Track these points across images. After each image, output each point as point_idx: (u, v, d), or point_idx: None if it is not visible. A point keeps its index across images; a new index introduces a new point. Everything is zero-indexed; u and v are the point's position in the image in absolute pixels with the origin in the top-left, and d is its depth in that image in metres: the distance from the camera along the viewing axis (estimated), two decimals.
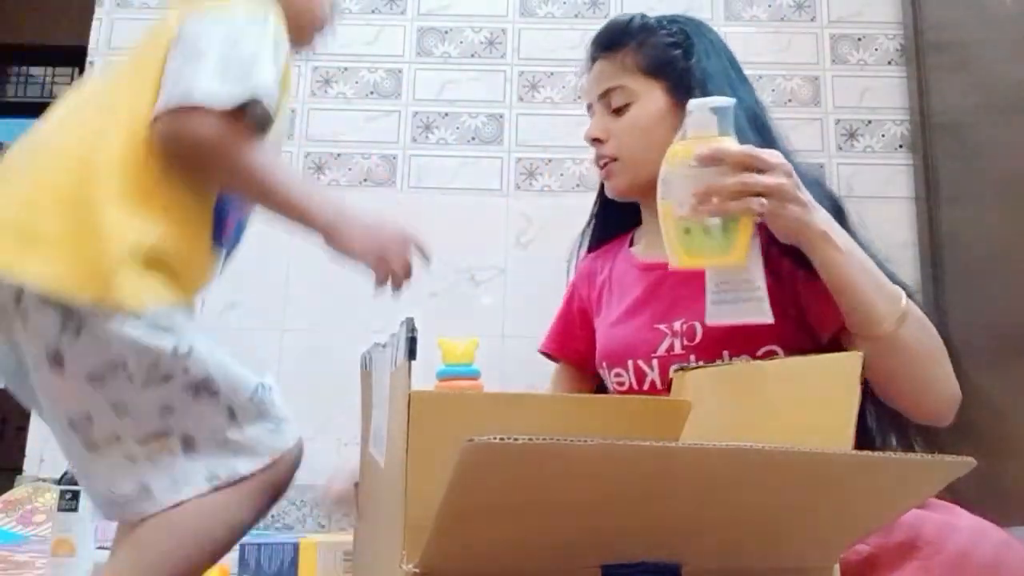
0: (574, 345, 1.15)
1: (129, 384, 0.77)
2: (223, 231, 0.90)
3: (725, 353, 0.94)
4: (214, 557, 0.80)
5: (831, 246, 0.82)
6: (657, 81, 1.06)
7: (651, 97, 1.06)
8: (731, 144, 0.81)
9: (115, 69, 0.93)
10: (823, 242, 0.82)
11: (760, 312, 0.80)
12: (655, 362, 1.00)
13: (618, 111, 1.07)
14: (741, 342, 0.92)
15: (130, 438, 0.78)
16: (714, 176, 0.79)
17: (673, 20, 1.10)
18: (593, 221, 1.22)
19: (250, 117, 0.83)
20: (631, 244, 1.15)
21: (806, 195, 0.82)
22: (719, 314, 0.83)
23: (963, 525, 0.74)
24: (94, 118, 0.84)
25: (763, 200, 0.79)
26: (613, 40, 1.10)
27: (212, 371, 0.80)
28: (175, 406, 0.79)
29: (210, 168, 0.84)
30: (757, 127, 1.00)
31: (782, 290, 0.92)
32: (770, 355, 0.93)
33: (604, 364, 1.07)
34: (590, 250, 1.22)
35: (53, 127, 0.87)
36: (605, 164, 1.08)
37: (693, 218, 0.80)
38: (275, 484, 0.82)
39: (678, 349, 0.98)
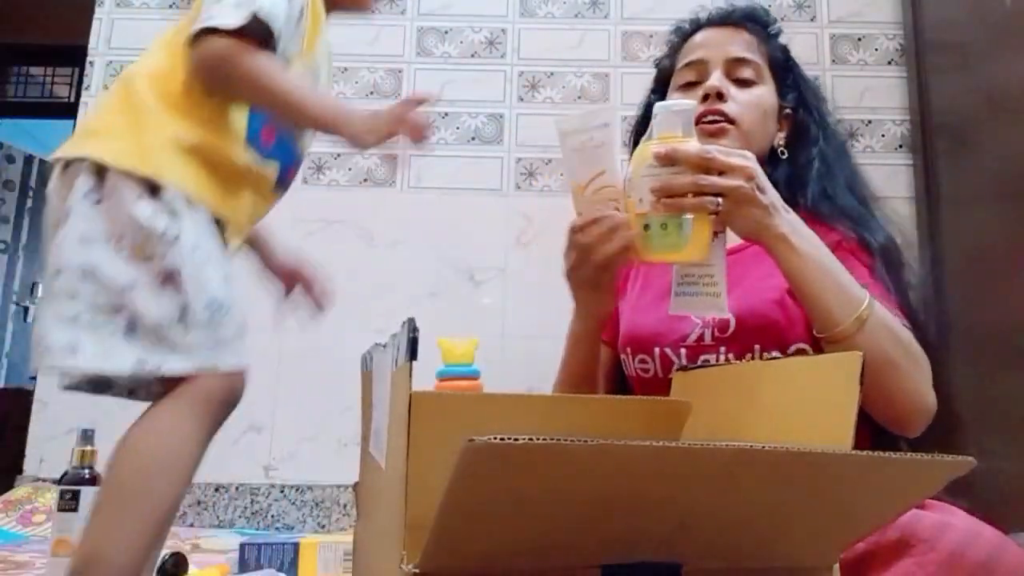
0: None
1: (113, 254, 0.84)
2: (259, 141, 0.98)
3: (756, 347, 0.94)
4: (173, 468, 0.83)
5: (789, 249, 0.85)
6: (774, 78, 1.09)
7: (770, 89, 1.09)
8: (691, 145, 0.83)
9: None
10: (782, 244, 0.85)
11: (716, 307, 0.84)
12: (683, 351, 0.99)
13: (743, 83, 1.07)
14: (773, 339, 0.93)
15: (85, 300, 0.83)
16: (673, 176, 0.82)
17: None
18: None
19: (255, 34, 0.91)
20: None
21: (770, 198, 0.84)
22: (678, 305, 0.87)
23: (958, 524, 0.74)
24: (154, 51, 1.00)
25: (718, 200, 0.81)
26: (757, 20, 1.11)
27: (185, 267, 0.85)
28: (139, 286, 0.84)
29: (224, 79, 0.92)
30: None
31: None
32: (801, 354, 0.93)
33: (628, 349, 1.06)
34: None
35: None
36: (719, 122, 1.03)
37: (651, 215, 0.83)
38: (212, 396, 0.85)
39: (708, 340, 0.98)
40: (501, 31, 2.27)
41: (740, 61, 1.07)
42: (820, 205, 1.04)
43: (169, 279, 0.84)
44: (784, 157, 1.09)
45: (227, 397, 0.87)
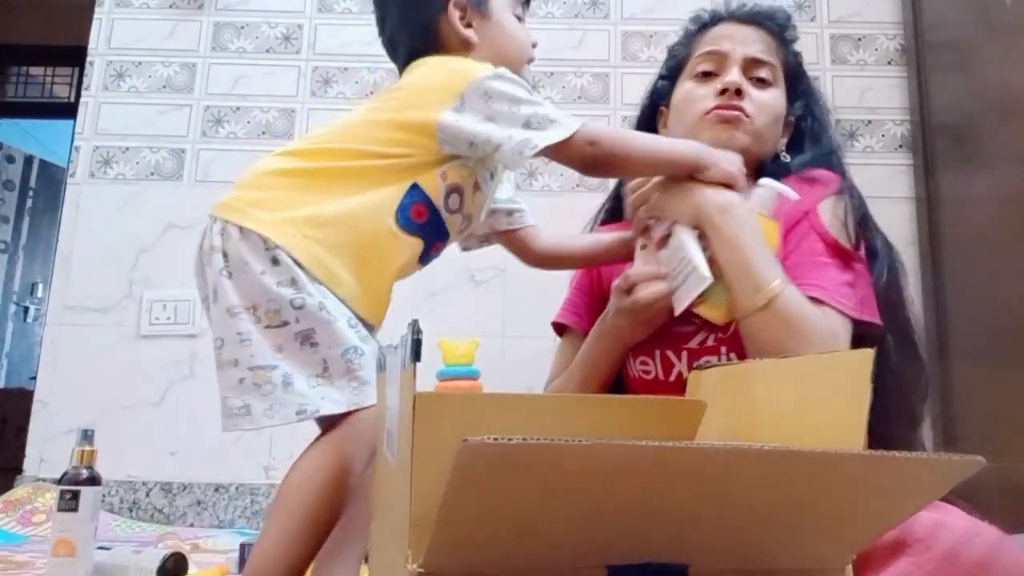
0: (595, 317, 1.10)
1: (256, 323, 0.96)
2: (408, 217, 1.07)
3: None
4: (321, 495, 0.94)
5: (711, 223, 0.92)
6: (785, 83, 1.10)
7: (782, 93, 1.09)
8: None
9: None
10: (706, 218, 0.93)
11: (699, 280, 0.90)
12: (684, 354, 1.00)
13: (760, 82, 1.07)
14: None
15: (244, 365, 0.96)
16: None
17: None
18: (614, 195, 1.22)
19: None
20: None
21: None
22: (679, 302, 0.93)
23: (955, 524, 0.74)
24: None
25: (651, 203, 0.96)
26: (780, 22, 1.11)
27: (317, 326, 0.97)
28: (285, 348, 0.96)
29: (595, 170, 1.05)
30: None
31: None
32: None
33: (630, 350, 1.06)
34: (603, 223, 1.23)
35: None
36: (736, 112, 1.04)
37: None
38: (357, 433, 0.96)
39: (711, 342, 0.98)
40: None
41: (759, 62, 1.07)
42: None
43: (307, 339, 0.96)
44: (787, 161, 1.10)
45: (369, 429, 0.96)
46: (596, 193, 2.17)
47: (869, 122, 2.20)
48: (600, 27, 2.27)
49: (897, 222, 2.11)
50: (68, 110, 3.60)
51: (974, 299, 1.89)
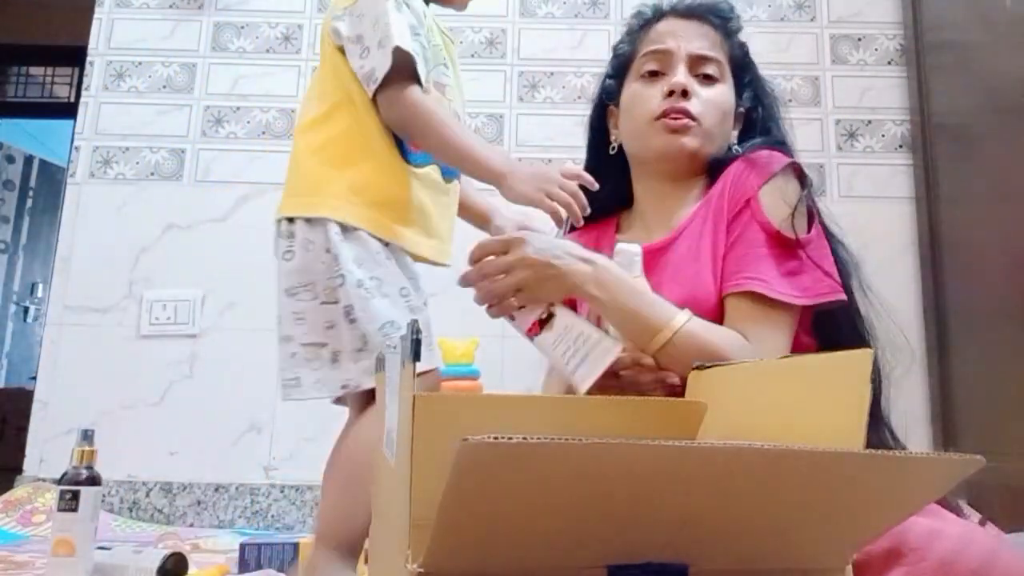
0: None
1: (313, 300, 1.05)
2: (409, 151, 1.17)
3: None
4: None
5: (591, 296, 0.92)
6: (733, 76, 1.08)
7: (729, 87, 1.08)
8: (470, 270, 0.96)
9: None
10: (584, 294, 0.92)
11: (610, 348, 0.90)
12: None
13: (706, 79, 1.06)
14: (721, 316, 0.95)
15: (297, 341, 1.05)
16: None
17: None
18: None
19: (407, 64, 1.09)
20: (617, 230, 1.14)
21: (557, 262, 0.91)
22: (584, 380, 0.90)
23: (950, 532, 0.73)
24: (313, 102, 1.19)
25: (515, 296, 0.93)
26: (723, 16, 1.10)
27: (355, 303, 1.05)
28: (336, 323, 1.05)
29: (409, 129, 1.12)
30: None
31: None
32: None
33: None
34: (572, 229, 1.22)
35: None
36: (683, 119, 1.03)
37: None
38: None
39: None
40: (501, 31, 2.27)
41: (704, 58, 1.06)
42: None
43: (349, 314, 1.05)
44: (738, 154, 1.06)
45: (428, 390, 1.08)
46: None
47: (869, 122, 2.20)
48: (600, 27, 2.27)
49: (897, 222, 2.12)
50: (68, 110, 3.60)
51: (974, 299, 1.89)
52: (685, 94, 1.03)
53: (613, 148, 1.12)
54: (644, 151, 1.08)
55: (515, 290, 0.92)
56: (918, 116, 2.13)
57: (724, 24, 1.09)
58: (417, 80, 1.11)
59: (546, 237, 0.95)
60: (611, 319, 0.93)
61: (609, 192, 1.11)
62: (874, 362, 1.00)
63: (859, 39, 2.25)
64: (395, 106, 1.10)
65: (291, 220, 1.11)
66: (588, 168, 1.13)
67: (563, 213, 1.04)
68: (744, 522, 0.47)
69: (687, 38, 1.06)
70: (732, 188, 0.99)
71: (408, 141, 1.15)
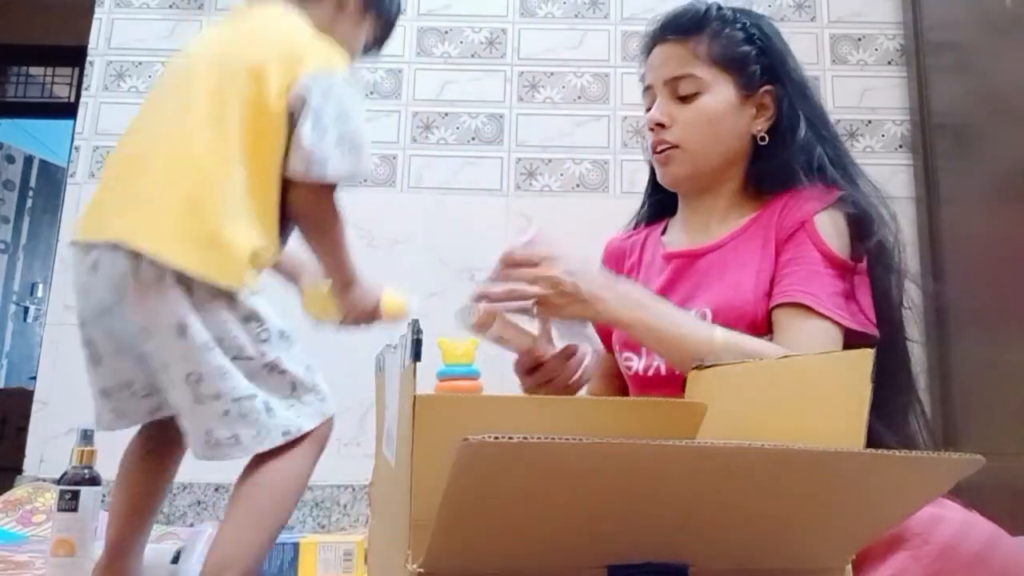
0: (600, 325, 1.13)
1: (226, 356, 0.99)
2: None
3: None
4: (296, 496, 1.04)
5: (620, 322, 0.92)
6: (728, 74, 1.06)
7: (721, 89, 1.06)
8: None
9: (186, 85, 1.12)
10: (612, 320, 0.92)
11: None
12: None
13: (685, 99, 1.06)
14: (747, 329, 0.95)
15: (227, 397, 0.98)
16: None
17: (746, 13, 1.10)
18: (646, 204, 1.23)
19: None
20: (663, 232, 1.16)
21: (586, 286, 0.90)
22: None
23: (952, 517, 0.74)
24: (198, 142, 1.05)
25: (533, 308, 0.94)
26: (688, 26, 1.08)
27: (281, 355, 1.02)
28: (257, 377, 1.01)
29: (317, 228, 1.11)
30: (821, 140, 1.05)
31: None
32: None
33: (617, 346, 1.09)
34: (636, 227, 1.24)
35: (154, 141, 1.12)
36: (664, 150, 1.06)
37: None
38: (321, 440, 1.06)
39: None
40: (501, 31, 2.27)
41: (677, 79, 1.06)
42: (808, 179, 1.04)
43: (274, 367, 1.02)
44: (765, 143, 1.06)
45: (329, 433, 1.08)
46: (596, 193, 2.17)
47: (869, 122, 2.20)
48: (600, 27, 2.27)
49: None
50: (68, 110, 3.60)
51: (974, 299, 1.89)
52: (661, 125, 1.06)
53: None
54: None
55: (534, 303, 0.93)
56: (918, 116, 2.13)
57: (697, 32, 1.07)
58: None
59: (577, 257, 0.95)
60: (647, 343, 0.95)
61: (659, 200, 1.19)
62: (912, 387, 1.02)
63: (859, 39, 2.25)
64: (324, 206, 1.08)
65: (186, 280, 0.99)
66: (650, 179, 1.21)
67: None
68: (744, 522, 0.47)
69: (659, 67, 1.09)
70: (787, 209, 1.01)
71: (303, 232, 1.12)
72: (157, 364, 1.02)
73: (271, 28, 1.12)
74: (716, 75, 1.06)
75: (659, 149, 1.07)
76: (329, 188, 1.07)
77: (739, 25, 1.08)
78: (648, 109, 1.10)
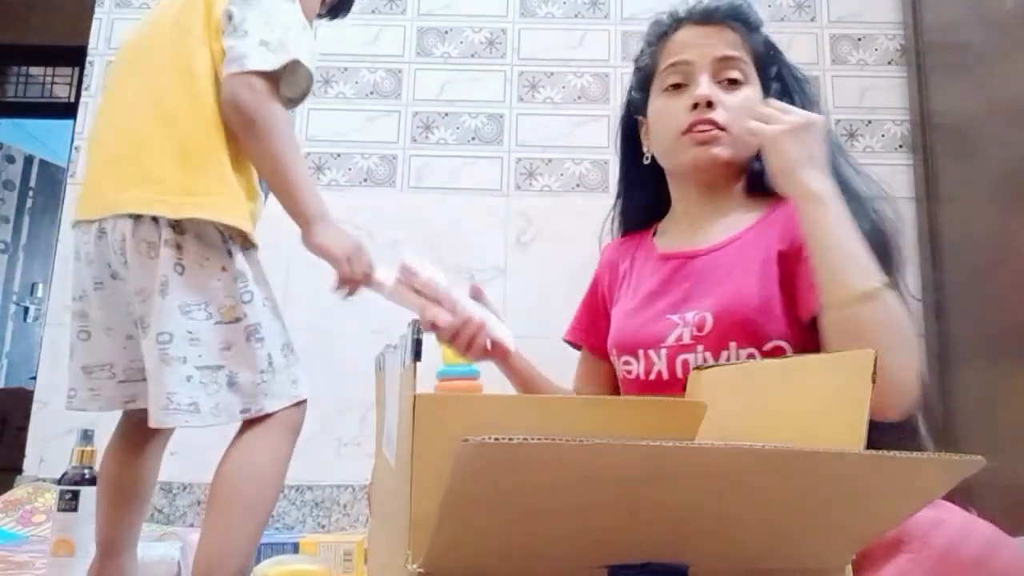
0: (599, 335, 1.13)
1: (208, 320, 0.98)
2: None
3: (732, 344, 0.94)
4: (275, 486, 1.01)
5: (822, 207, 0.87)
6: (758, 73, 1.06)
7: (756, 88, 1.05)
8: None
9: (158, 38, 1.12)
10: (812, 200, 0.88)
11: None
12: (663, 351, 1.00)
13: (732, 83, 1.03)
14: (749, 336, 0.93)
15: (192, 363, 0.97)
16: None
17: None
18: (631, 204, 1.19)
19: (288, 84, 1.07)
20: (654, 235, 1.14)
21: (816, 152, 0.90)
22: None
23: (952, 520, 0.74)
24: (175, 89, 1.06)
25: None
26: (740, 15, 1.06)
27: (262, 321, 1.01)
28: (233, 344, 0.99)
29: (248, 125, 1.03)
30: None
31: (783, 290, 0.95)
32: (778, 351, 0.94)
33: (614, 351, 1.07)
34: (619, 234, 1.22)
35: (128, 99, 1.09)
36: (711, 130, 1.02)
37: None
38: (292, 425, 1.03)
39: (687, 339, 0.98)
40: (501, 31, 2.27)
41: (727, 60, 1.04)
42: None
43: (253, 333, 1.00)
44: None
45: (302, 419, 1.05)
46: (596, 193, 2.17)
47: (869, 122, 2.20)
48: (600, 27, 2.27)
49: None
50: (68, 110, 3.60)
51: (974, 299, 1.89)
52: (710, 104, 1.02)
53: (646, 159, 1.12)
54: (677, 165, 1.07)
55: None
56: (918, 116, 2.13)
57: (744, 24, 1.07)
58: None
59: None
60: (827, 238, 0.87)
61: (644, 201, 1.15)
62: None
63: (859, 39, 2.25)
64: (254, 95, 1.02)
65: (175, 225, 1.00)
66: (622, 179, 1.17)
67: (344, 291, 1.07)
68: (744, 522, 0.47)
69: (707, 45, 1.05)
70: (792, 221, 0.97)
71: (240, 137, 1.06)
72: (143, 328, 1.01)
73: None
74: (752, 70, 1.06)
75: (706, 128, 1.02)
76: (252, 86, 1.02)
77: (766, 35, 1.09)
78: (673, 87, 1.06)
